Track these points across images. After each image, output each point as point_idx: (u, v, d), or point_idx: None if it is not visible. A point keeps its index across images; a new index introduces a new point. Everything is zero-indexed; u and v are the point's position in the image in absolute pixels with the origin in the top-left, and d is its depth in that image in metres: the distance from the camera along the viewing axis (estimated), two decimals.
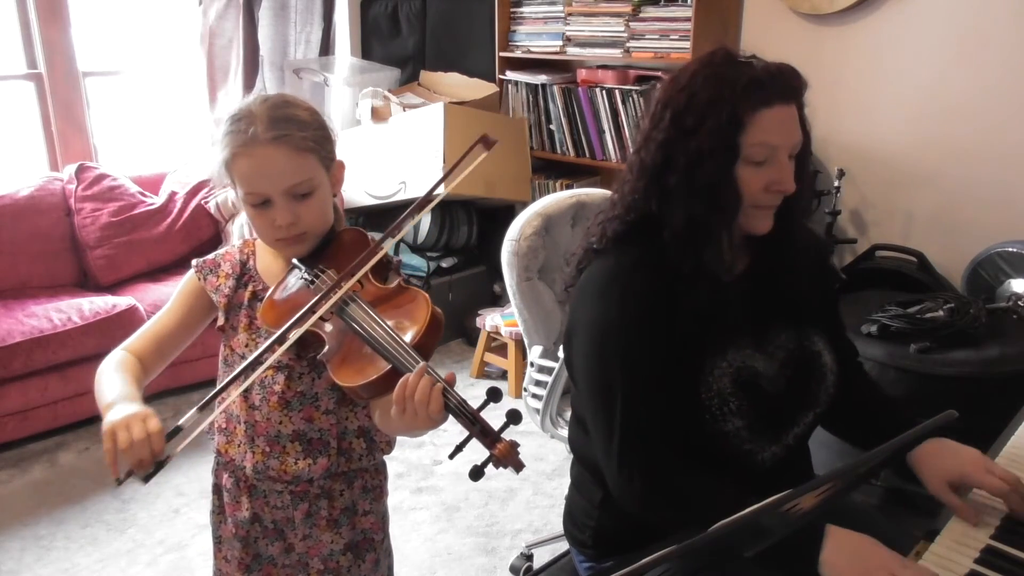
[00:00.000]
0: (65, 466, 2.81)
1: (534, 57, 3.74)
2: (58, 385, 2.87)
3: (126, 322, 2.98)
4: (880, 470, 1.97)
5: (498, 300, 3.85)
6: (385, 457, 1.42)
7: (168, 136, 3.98)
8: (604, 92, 3.48)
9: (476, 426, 1.04)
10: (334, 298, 1.15)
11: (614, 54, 3.41)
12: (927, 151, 2.92)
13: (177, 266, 3.44)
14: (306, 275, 1.23)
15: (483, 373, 3.51)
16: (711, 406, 1.23)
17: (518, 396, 2.71)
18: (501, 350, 3.47)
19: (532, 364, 1.97)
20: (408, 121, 3.59)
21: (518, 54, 3.78)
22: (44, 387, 2.85)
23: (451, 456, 1.07)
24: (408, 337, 1.11)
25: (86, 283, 3.31)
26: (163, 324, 1.29)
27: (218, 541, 1.41)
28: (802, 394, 1.32)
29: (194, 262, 1.33)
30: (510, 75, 3.83)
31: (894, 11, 2.89)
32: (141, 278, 3.35)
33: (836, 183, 2.93)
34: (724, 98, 1.18)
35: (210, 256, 1.33)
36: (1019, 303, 2.47)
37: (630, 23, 3.32)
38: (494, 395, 1.07)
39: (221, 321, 1.30)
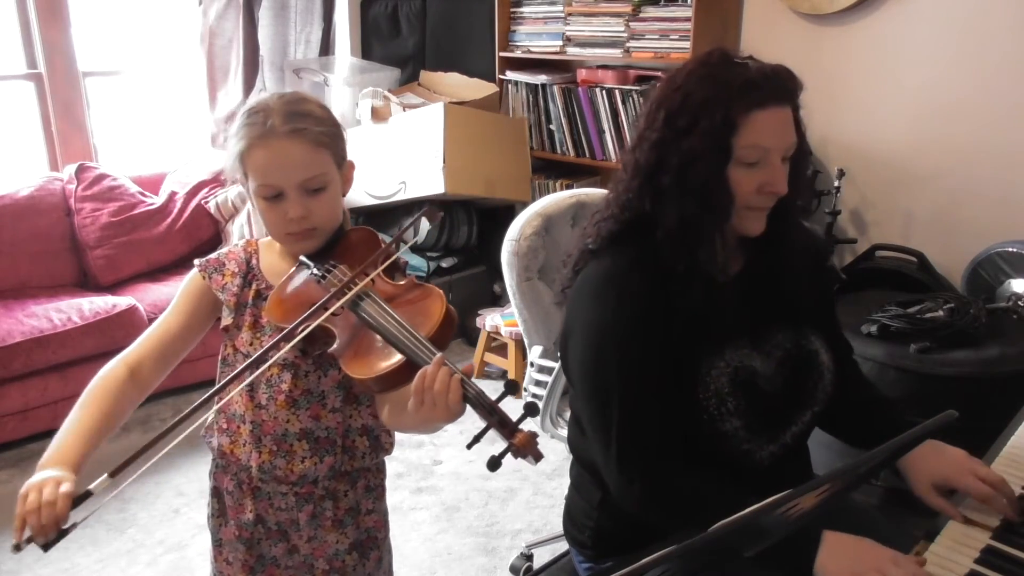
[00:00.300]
0: None
1: (534, 57, 3.74)
2: (58, 385, 2.87)
3: (126, 322, 2.98)
4: (880, 470, 1.97)
5: (498, 300, 3.85)
6: (385, 457, 1.42)
7: (168, 136, 3.98)
8: (604, 92, 3.48)
9: (495, 417, 1.04)
10: (353, 291, 1.15)
11: (614, 54, 3.41)
12: (927, 151, 2.92)
13: (177, 266, 3.44)
14: (316, 271, 1.23)
15: (483, 373, 3.51)
16: (709, 406, 1.23)
17: (518, 396, 2.70)
18: (501, 350, 3.47)
19: (532, 364, 1.97)
20: (408, 121, 3.59)
21: (518, 54, 3.78)
22: (44, 387, 2.85)
23: (469, 446, 1.06)
24: (423, 332, 1.11)
25: (86, 283, 3.30)
26: (168, 327, 1.28)
27: (218, 544, 1.40)
28: (800, 393, 1.32)
29: (197, 262, 1.32)
30: (510, 75, 3.83)
31: (894, 11, 2.89)
32: (141, 278, 3.34)
33: (836, 183, 2.92)
34: (717, 99, 1.18)
35: (213, 256, 1.33)
36: (1019, 303, 2.47)
37: (630, 23, 3.32)
38: (512, 388, 1.08)
39: (228, 320, 1.29)
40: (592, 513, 1.40)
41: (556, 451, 2.84)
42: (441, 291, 1.17)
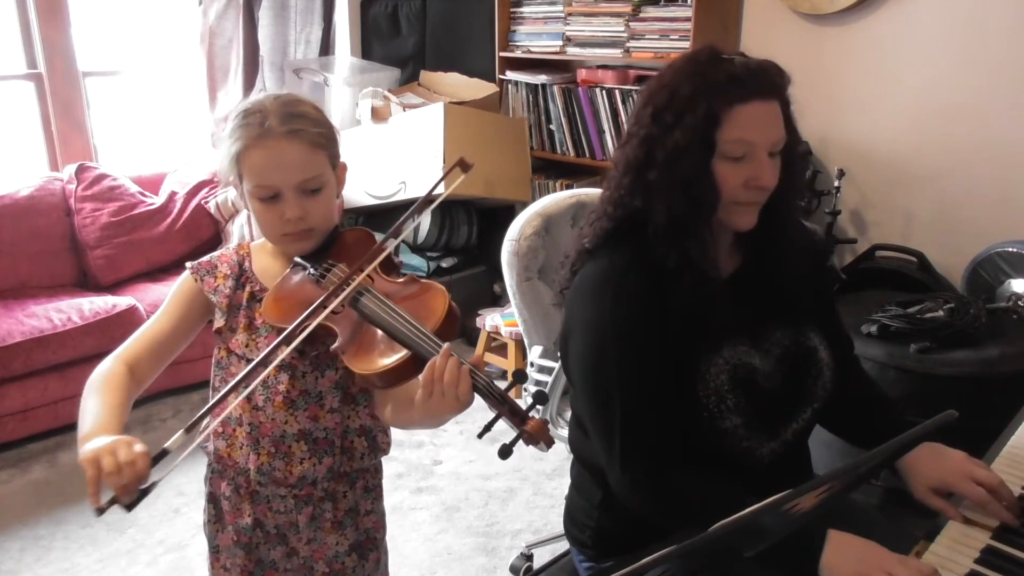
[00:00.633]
0: (65, 466, 2.81)
1: (534, 57, 3.74)
2: (58, 385, 2.87)
3: (126, 322, 2.98)
4: (880, 470, 1.97)
5: (498, 300, 3.85)
6: (386, 457, 1.42)
7: (168, 136, 3.98)
8: (604, 92, 3.48)
9: (505, 405, 1.04)
10: (353, 284, 1.15)
11: (614, 54, 3.41)
12: (927, 151, 2.92)
13: (177, 266, 3.44)
14: (313, 271, 1.23)
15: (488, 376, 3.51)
16: (708, 403, 1.24)
17: (518, 396, 2.71)
18: (501, 350, 3.47)
19: (532, 364, 1.97)
20: (408, 121, 3.59)
21: (518, 54, 3.78)
22: (44, 387, 2.85)
23: (480, 435, 1.06)
24: (428, 326, 1.11)
25: (86, 283, 3.31)
26: (160, 328, 1.28)
27: (215, 550, 1.39)
28: (799, 390, 1.32)
29: (189, 264, 1.32)
30: (510, 75, 3.83)
31: (894, 11, 2.89)
32: (141, 278, 3.35)
33: (836, 183, 2.92)
34: (701, 94, 1.20)
35: (205, 258, 1.33)
36: (1019, 303, 2.47)
37: (630, 23, 3.32)
38: (520, 377, 1.08)
39: (220, 323, 1.29)
40: (593, 513, 1.40)
41: (556, 451, 2.83)
42: (443, 287, 1.18)
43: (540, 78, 3.71)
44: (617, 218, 1.30)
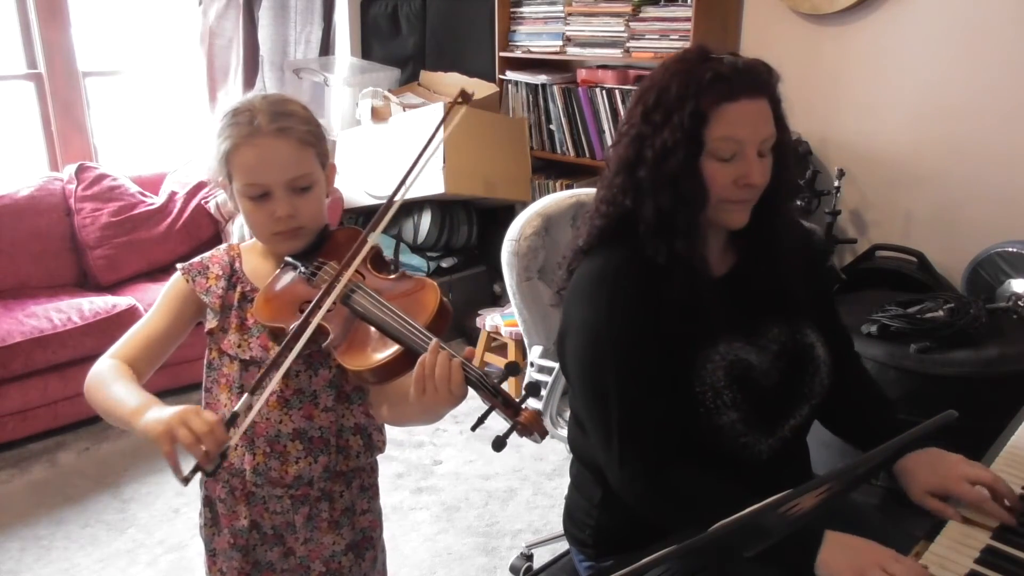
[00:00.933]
0: (65, 466, 2.81)
1: (534, 57, 3.74)
2: (58, 385, 2.87)
3: (126, 322, 2.97)
4: (880, 470, 1.97)
5: (498, 300, 3.85)
6: (385, 457, 1.42)
7: (168, 136, 3.98)
8: (604, 92, 3.48)
9: (498, 397, 1.04)
10: (343, 280, 1.14)
11: (614, 54, 3.41)
12: (927, 151, 2.92)
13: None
14: (304, 270, 1.23)
15: (483, 372, 3.50)
16: (706, 399, 1.24)
17: (517, 394, 2.71)
18: (501, 350, 3.47)
19: (532, 364, 1.97)
20: (408, 121, 3.59)
21: (518, 54, 3.78)
22: (44, 387, 2.85)
23: (473, 428, 1.07)
24: (420, 321, 1.11)
25: (86, 283, 3.30)
26: (153, 328, 1.28)
27: (212, 554, 1.39)
28: (796, 387, 1.33)
29: (179, 266, 1.32)
30: (510, 75, 3.83)
31: (894, 11, 2.89)
32: (141, 278, 3.34)
33: (836, 183, 2.92)
34: (689, 92, 1.20)
35: (196, 259, 1.32)
36: (1019, 303, 2.47)
37: (630, 23, 3.32)
38: (512, 369, 1.08)
39: (212, 324, 1.28)
40: (592, 512, 1.40)
41: (556, 451, 2.84)
42: (434, 282, 1.17)
43: (540, 78, 3.71)
44: (611, 217, 1.31)
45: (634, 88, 3.34)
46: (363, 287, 1.17)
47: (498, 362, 3.46)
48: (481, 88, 3.85)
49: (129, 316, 3.00)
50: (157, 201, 3.49)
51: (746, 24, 3.28)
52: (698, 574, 1.26)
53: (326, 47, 3.99)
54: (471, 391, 1.07)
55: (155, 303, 1.31)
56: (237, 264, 1.31)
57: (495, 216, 3.84)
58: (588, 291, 1.29)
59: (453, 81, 3.96)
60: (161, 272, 3.41)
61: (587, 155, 3.66)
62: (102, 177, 3.36)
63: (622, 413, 1.23)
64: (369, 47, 4.25)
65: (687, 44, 3.14)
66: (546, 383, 1.93)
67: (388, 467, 2.69)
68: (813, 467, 1.46)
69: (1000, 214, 2.78)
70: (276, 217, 1.21)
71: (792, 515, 0.98)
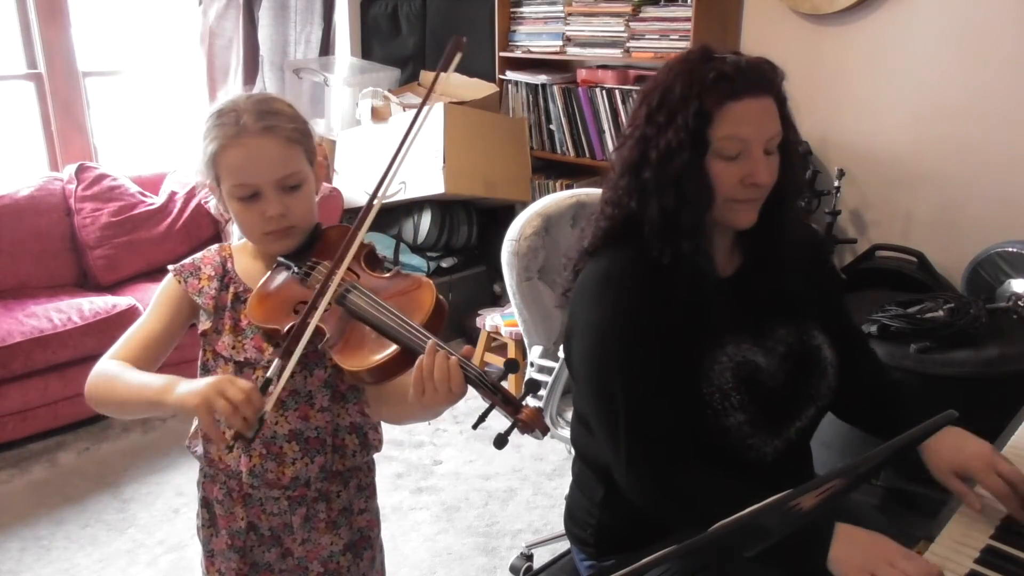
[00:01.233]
0: (65, 466, 2.81)
1: (534, 57, 3.74)
2: (58, 385, 2.87)
3: (126, 322, 2.94)
4: (880, 470, 1.97)
5: (498, 300, 3.85)
6: (385, 457, 1.42)
7: (168, 136, 3.98)
8: (604, 92, 3.48)
9: (498, 395, 1.04)
10: (335, 280, 1.14)
11: (614, 54, 3.41)
12: (927, 151, 2.92)
13: None
14: (297, 270, 1.22)
15: (482, 371, 3.50)
16: (712, 401, 1.24)
17: (518, 392, 2.71)
18: (501, 350, 3.47)
19: (532, 364, 1.97)
20: (408, 121, 3.57)
21: (518, 54, 3.78)
22: (44, 387, 2.85)
23: (474, 426, 1.06)
24: (417, 320, 1.10)
25: (86, 283, 3.30)
26: (151, 329, 1.27)
27: (210, 555, 1.38)
28: (803, 388, 1.33)
29: (171, 267, 1.31)
30: (510, 75, 3.83)
31: (894, 11, 2.89)
32: (141, 278, 3.34)
33: (836, 183, 2.92)
34: (692, 92, 1.20)
35: (187, 260, 1.32)
36: (1019, 303, 2.47)
37: (630, 23, 3.32)
38: (512, 366, 1.08)
39: (206, 325, 1.27)
40: (594, 511, 1.40)
41: (556, 451, 2.84)
42: (429, 280, 1.17)
43: (540, 78, 3.71)
44: (616, 219, 1.31)
45: (634, 88, 3.38)
46: (358, 287, 1.16)
47: (498, 362, 3.46)
48: (481, 88, 3.85)
49: (129, 316, 3.00)
50: (157, 201, 3.49)
51: (746, 24, 3.28)
52: (698, 574, 1.26)
53: (326, 47, 3.99)
54: (471, 389, 1.07)
55: (150, 305, 1.31)
56: (229, 264, 1.31)
57: (495, 216, 3.84)
58: (594, 292, 1.29)
59: (453, 81, 3.96)
60: (161, 272, 3.33)
61: (587, 155, 3.66)
62: (102, 177, 3.36)
63: (630, 413, 1.23)
64: (369, 47, 4.25)
65: (687, 44, 3.14)
66: (546, 383, 1.93)
67: (388, 467, 2.69)
68: (814, 468, 1.46)
69: (1000, 214, 2.78)
70: (267, 217, 1.21)
71: (793, 515, 0.98)
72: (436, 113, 3.43)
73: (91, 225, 3.27)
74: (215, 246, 1.34)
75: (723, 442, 1.26)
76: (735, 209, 1.26)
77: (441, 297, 1.14)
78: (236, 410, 1.04)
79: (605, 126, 3.54)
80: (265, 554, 1.36)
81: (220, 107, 1.22)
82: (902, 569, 1.04)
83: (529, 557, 2.28)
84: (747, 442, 1.27)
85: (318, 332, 1.14)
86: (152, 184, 3.58)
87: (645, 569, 0.79)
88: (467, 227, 3.80)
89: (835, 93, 3.05)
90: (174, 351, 1.31)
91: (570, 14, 3.53)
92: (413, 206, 3.69)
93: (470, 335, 3.69)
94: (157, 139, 3.95)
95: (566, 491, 1.52)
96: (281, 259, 1.25)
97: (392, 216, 3.75)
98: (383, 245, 3.71)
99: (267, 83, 3.87)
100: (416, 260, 3.72)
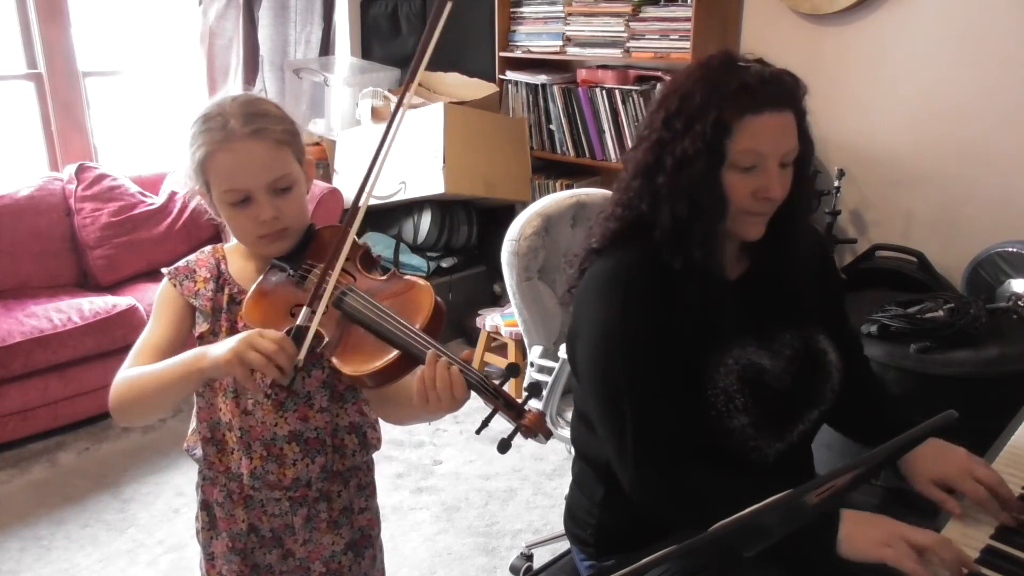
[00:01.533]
0: (65, 466, 2.81)
1: (534, 57, 3.74)
2: (58, 385, 2.87)
3: (126, 322, 2.98)
4: (880, 470, 1.97)
5: (498, 300, 3.85)
6: (386, 457, 1.42)
7: (168, 136, 3.98)
8: (604, 92, 3.48)
9: (500, 400, 1.04)
10: (330, 281, 1.13)
11: (614, 54, 3.41)
12: (927, 151, 2.92)
13: None
14: (292, 272, 1.21)
15: (483, 373, 3.50)
16: (717, 403, 1.24)
17: (519, 396, 2.71)
18: (501, 350, 3.47)
19: (532, 364, 1.97)
20: (408, 121, 3.58)
21: (518, 54, 3.78)
22: (44, 387, 2.85)
23: (478, 431, 1.07)
24: (416, 324, 1.10)
25: (86, 283, 3.30)
26: (159, 336, 1.26)
27: (210, 558, 1.38)
28: (808, 392, 1.33)
29: (165, 271, 1.30)
30: (510, 75, 3.83)
31: (894, 11, 2.89)
32: (141, 278, 3.34)
33: (836, 183, 2.92)
34: (712, 102, 1.19)
35: (181, 263, 1.31)
36: (1019, 303, 2.47)
37: (630, 23, 3.32)
38: (512, 371, 1.07)
39: (203, 327, 1.27)
40: (594, 511, 1.40)
41: (556, 451, 2.84)
42: (427, 282, 1.16)
43: (540, 78, 3.71)
44: (625, 219, 1.30)
45: (634, 88, 3.38)
46: (355, 289, 1.16)
47: (498, 362, 3.46)
48: (481, 88, 3.85)
49: (129, 316, 3.00)
50: (157, 201, 3.49)
51: (746, 24, 3.28)
52: (698, 574, 1.26)
53: (326, 47, 3.99)
54: (475, 395, 1.07)
55: (152, 313, 1.30)
56: (223, 266, 1.30)
57: (495, 216, 3.84)
58: (601, 291, 1.29)
59: (453, 81, 3.96)
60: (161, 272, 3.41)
61: (587, 155, 3.66)
62: (102, 177, 3.36)
63: (634, 413, 1.23)
64: (369, 47, 4.25)
65: (687, 44, 3.14)
66: (547, 383, 1.93)
67: (388, 467, 2.69)
68: (815, 468, 1.46)
69: (1000, 214, 2.78)
70: (260, 220, 1.19)
71: (794, 513, 0.98)
72: (436, 113, 3.43)
73: (91, 225, 3.27)
74: (208, 247, 1.33)
75: (726, 444, 1.26)
76: (745, 221, 1.25)
77: (439, 299, 1.14)
78: (269, 360, 1.04)
79: (605, 126, 3.54)
80: (266, 555, 1.36)
81: (206, 111, 1.21)
82: (917, 541, 1.05)
83: (529, 557, 2.28)
84: (750, 444, 1.27)
85: (317, 336, 1.14)
86: (152, 184, 3.58)
87: (645, 569, 0.79)
88: (467, 227, 3.80)
89: (835, 93, 3.05)
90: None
91: (570, 14, 3.53)
92: (413, 206, 3.69)
93: (470, 335, 3.69)
94: (157, 139, 3.95)
95: (566, 491, 1.52)
96: (276, 261, 1.24)
97: (392, 216, 3.75)
98: (383, 245, 3.71)
99: (267, 83, 3.87)
100: (416, 260, 3.72)
